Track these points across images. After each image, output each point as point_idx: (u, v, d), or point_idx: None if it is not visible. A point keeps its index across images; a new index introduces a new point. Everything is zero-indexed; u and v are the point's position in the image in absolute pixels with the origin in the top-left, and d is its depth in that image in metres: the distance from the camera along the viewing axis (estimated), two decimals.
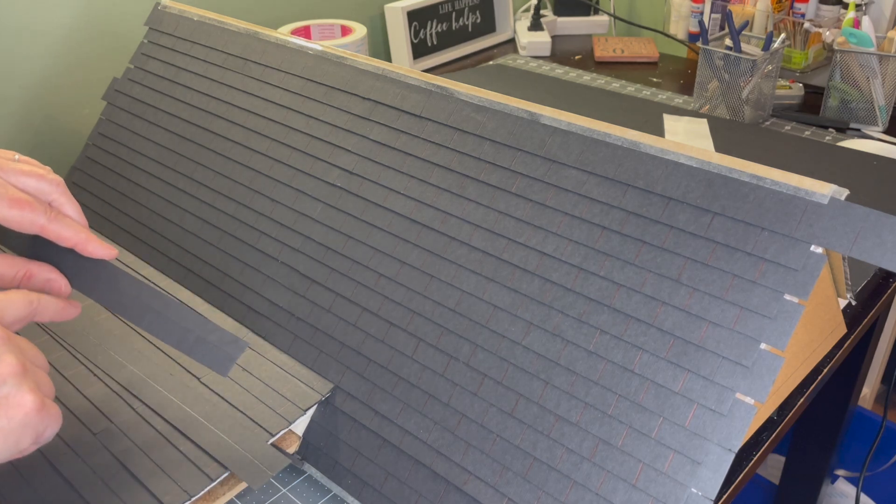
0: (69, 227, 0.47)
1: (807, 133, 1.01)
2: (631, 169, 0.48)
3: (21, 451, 0.39)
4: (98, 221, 0.74)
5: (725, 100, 1.03)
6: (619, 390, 0.44)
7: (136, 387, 0.55)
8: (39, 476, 0.49)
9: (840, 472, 1.30)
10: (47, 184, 0.48)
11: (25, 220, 0.45)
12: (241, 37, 0.73)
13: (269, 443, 0.51)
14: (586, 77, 1.20)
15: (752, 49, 1.03)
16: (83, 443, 0.50)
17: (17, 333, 0.42)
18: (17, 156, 0.49)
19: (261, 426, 0.51)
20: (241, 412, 0.53)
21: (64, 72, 0.92)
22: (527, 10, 1.44)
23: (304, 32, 1.14)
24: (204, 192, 0.68)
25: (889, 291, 0.71)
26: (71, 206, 0.49)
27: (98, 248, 0.48)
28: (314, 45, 0.68)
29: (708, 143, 0.95)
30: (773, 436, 0.55)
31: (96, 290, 0.48)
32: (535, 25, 1.34)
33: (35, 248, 0.49)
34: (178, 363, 0.57)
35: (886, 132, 1.03)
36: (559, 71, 1.23)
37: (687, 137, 0.96)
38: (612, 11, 1.48)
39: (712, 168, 0.45)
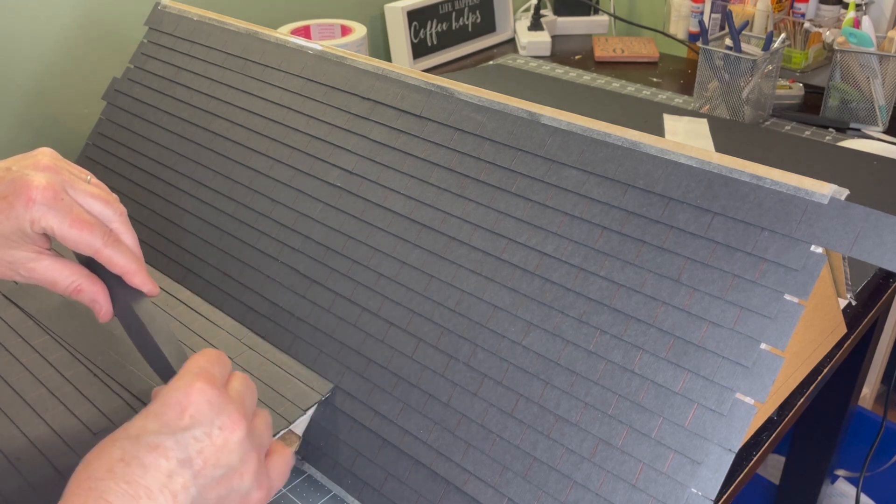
0: (122, 254, 0.49)
1: (807, 133, 1.01)
2: (631, 169, 0.48)
3: None
4: None
5: (725, 100, 1.03)
6: (619, 390, 0.44)
7: (136, 387, 0.55)
8: (39, 475, 0.49)
9: (840, 472, 1.30)
10: (112, 211, 0.49)
11: (83, 242, 0.47)
12: (240, 37, 0.73)
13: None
14: (586, 77, 1.20)
15: (752, 49, 1.03)
16: (83, 443, 0.50)
17: None
18: (89, 177, 0.51)
19: None
20: None
21: (64, 72, 0.92)
22: (527, 9, 1.44)
23: (304, 32, 1.14)
24: (204, 192, 0.68)
25: (889, 291, 0.70)
26: (129, 236, 0.50)
27: (145, 281, 0.49)
28: (314, 45, 0.68)
29: (708, 143, 0.95)
30: (773, 436, 0.55)
31: (129, 325, 0.49)
32: (535, 25, 1.34)
33: (90, 266, 0.50)
34: None
35: (886, 132, 1.02)
36: (559, 71, 1.23)
37: (687, 137, 0.96)
38: (612, 11, 1.48)
39: (712, 168, 0.45)
